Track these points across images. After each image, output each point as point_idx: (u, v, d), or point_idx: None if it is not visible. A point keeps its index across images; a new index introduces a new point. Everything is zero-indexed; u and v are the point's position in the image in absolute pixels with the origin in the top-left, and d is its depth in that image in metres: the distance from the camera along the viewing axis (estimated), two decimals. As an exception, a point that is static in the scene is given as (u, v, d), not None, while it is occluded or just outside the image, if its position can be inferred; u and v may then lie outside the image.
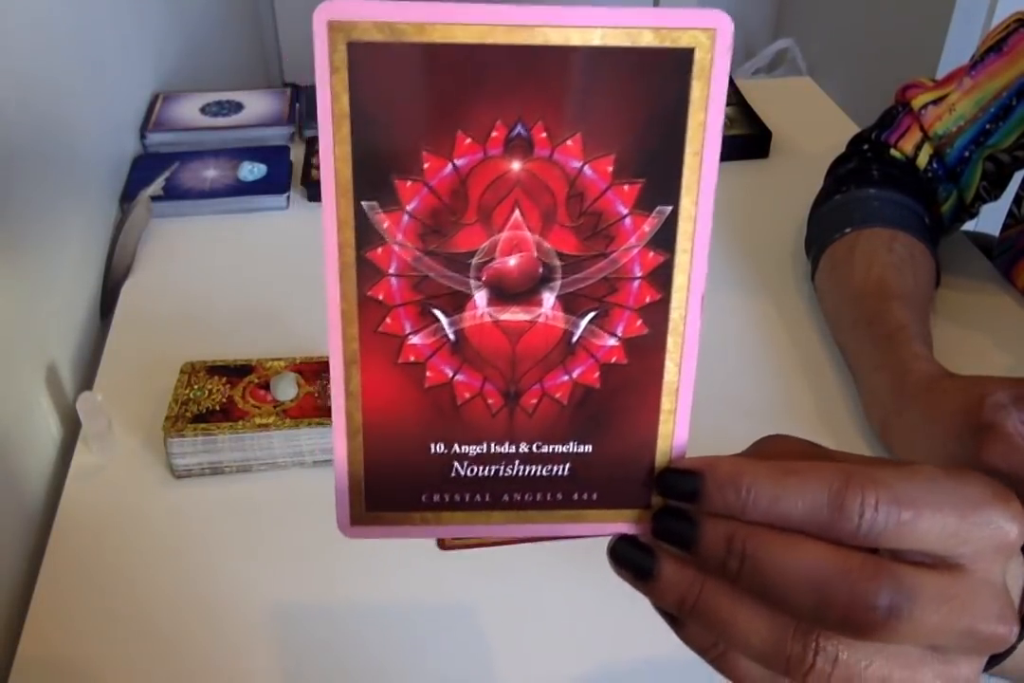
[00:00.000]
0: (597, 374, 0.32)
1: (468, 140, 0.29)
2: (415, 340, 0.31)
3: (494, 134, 0.29)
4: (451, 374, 0.31)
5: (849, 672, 0.29)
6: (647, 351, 0.32)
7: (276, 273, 0.89)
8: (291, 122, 1.09)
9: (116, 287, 0.86)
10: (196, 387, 0.69)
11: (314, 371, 0.70)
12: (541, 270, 0.31)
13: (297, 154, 1.05)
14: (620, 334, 0.31)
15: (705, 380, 0.77)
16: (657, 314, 0.31)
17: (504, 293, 0.31)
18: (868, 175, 0.87)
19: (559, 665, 0.56)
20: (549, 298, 0.31)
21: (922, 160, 0.87)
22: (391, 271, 0.30)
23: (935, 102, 0.87)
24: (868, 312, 0.74)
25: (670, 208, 0.30)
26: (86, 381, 0.79)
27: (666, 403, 0.32)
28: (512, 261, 0.30)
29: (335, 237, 0.30)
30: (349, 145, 0.29)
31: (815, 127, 0.97)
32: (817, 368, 0.76)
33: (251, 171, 0.99)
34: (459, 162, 0.29)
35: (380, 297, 0.31)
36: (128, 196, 0.95)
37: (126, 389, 0.74)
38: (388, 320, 0.31)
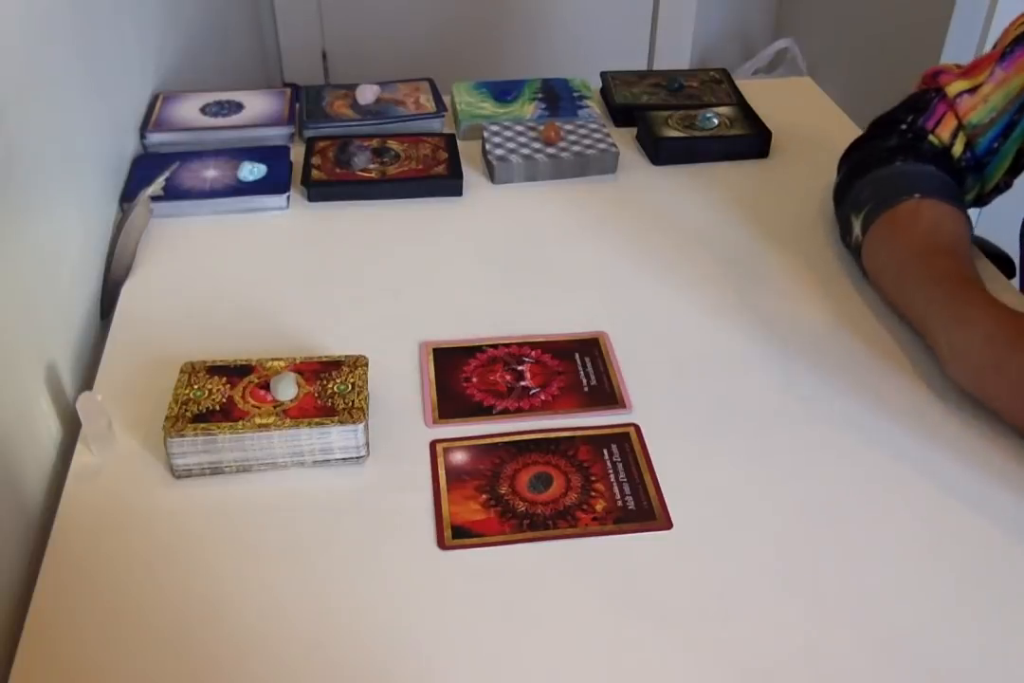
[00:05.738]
0: None
1: None
2: None
3: None
4: None
5: None
6: None
7: (276, 273, 0.89)
8: (291, 122, 1.09)
9: (116, 287, 0.86)
10: (196, 387, 0.69)
11: (314, 371, 0.70)
12: None
13: (297, 154, 1.05)
14: None
15: (710, 378, 0.77)
16: None
17: None
18: (922, 153, 0.87)
19: (559, 665, 0.56)
20: None
21: (957, 149, 0.87)
22: None
23: (970, 91, 0.87)
24: (939, 269, 0.74)
25: None
26: (86, 381, 0.79)
27: None
28: None
29: None
30: None
31: (815, 127, 0.97)
32: (820, 366, 0.77)
33: (251, 171, 0.99)
34: None
35: None
36: (128, 196, 0.95)
37: (126, 389, 0.74)
38: None
